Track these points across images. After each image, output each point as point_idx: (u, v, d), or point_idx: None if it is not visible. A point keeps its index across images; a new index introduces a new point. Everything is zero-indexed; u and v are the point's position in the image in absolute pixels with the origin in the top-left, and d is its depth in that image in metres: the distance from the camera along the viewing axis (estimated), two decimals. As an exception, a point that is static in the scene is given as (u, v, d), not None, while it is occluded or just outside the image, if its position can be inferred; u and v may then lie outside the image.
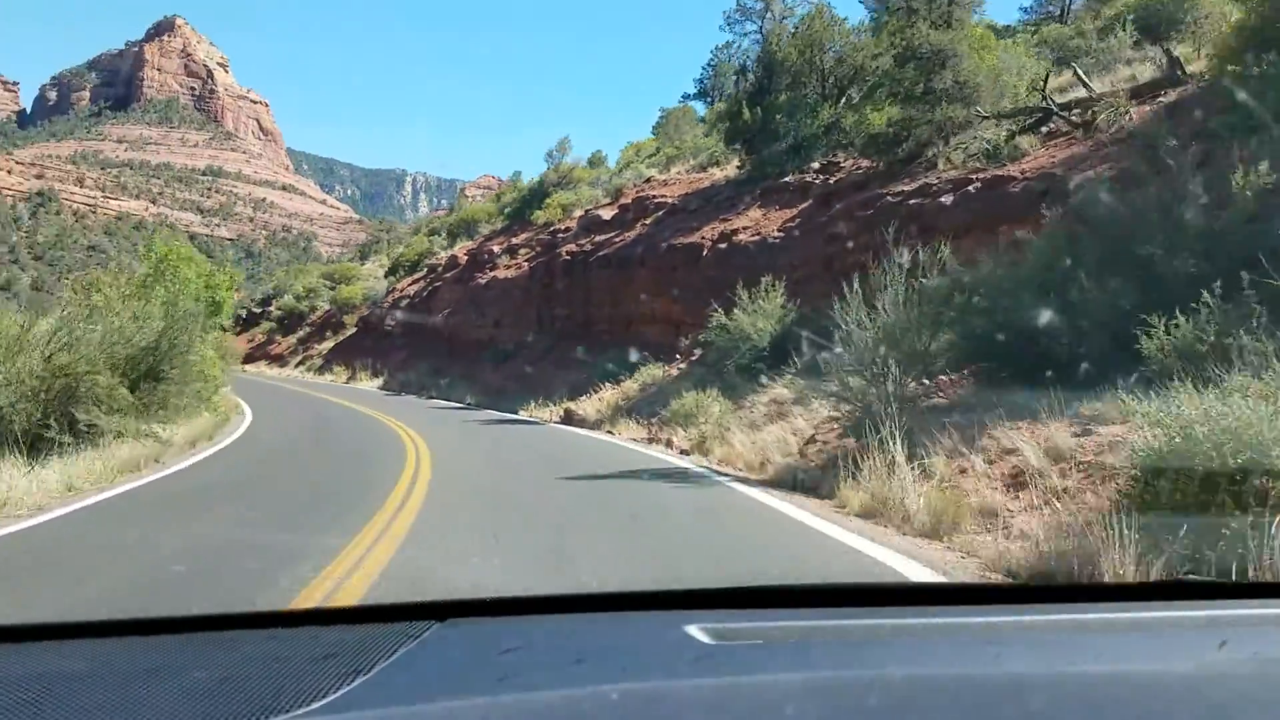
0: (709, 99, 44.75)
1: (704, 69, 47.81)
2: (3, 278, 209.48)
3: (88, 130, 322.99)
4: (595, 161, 48.28)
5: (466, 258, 46.33)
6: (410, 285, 52.38)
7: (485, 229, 50.32)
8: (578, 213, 38.38)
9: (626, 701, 1.18)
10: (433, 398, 34.60)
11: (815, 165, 26.42)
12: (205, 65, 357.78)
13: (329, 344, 57.97)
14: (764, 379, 18.60)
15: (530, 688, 1.36)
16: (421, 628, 1.70)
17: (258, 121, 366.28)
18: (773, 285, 20.28)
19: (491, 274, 40.48)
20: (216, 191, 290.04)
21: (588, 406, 23.90)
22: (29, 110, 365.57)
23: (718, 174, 30.81)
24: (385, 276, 59.08)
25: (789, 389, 17.69)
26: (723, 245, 26.06)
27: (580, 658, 1.52)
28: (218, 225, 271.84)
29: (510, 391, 29.85)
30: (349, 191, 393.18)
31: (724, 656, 1.50)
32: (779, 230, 24.91)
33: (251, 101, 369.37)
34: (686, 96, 45.35)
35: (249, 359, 70.19)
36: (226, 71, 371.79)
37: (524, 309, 35.70)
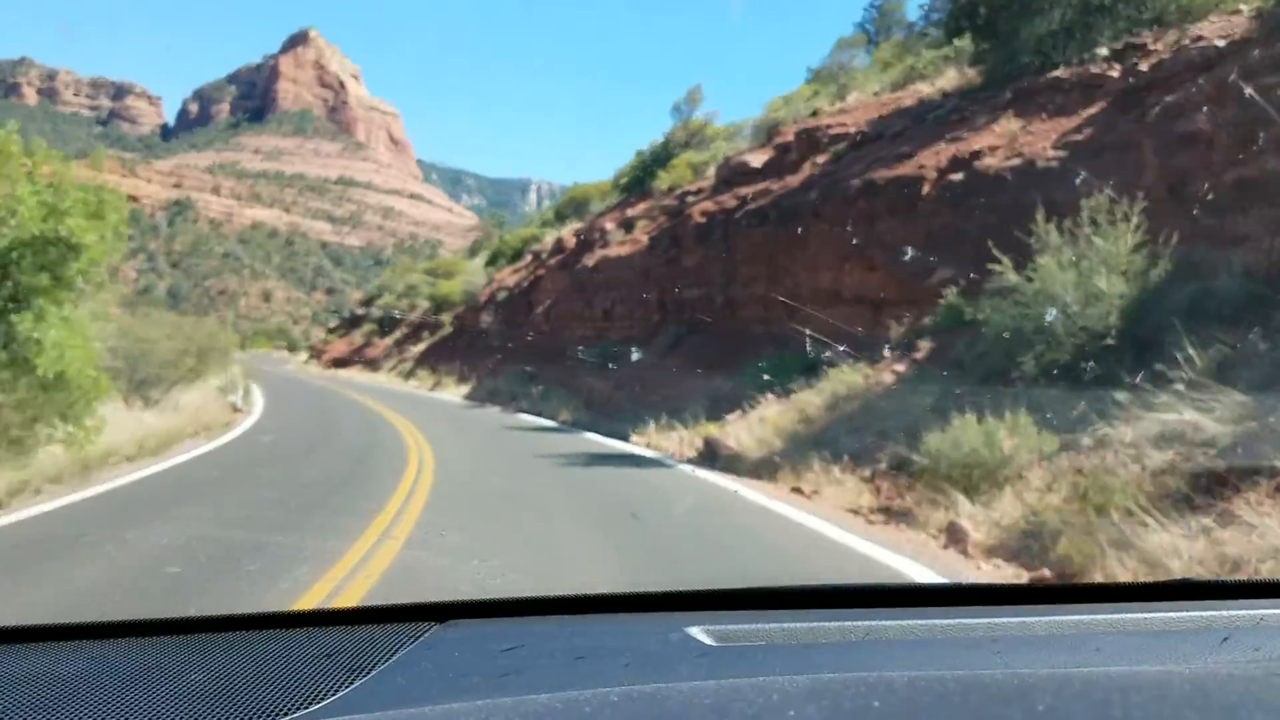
0: (873, 41, 35.02)
1: (866, 9, 38.08)
2: (142, 284, 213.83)
3: (225, 142, 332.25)
4: (730, 134, 38.62)
5: (574, 239, 37.55)
6: (509, 276, 43.92)
7: (599, 207, 41.38)
8: (713, 170, 29.04)
9: (627, 703, 1.16)
10: (521, 411, 25.84)
11: (1104, 52, 16.40)
12: (338, 77, 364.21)
13: (423, 346, 50.34)
14: (1119, 392, 9.01)
15: (530, 689, 1.32)
16: (421, 629, 1.68)
17: (388, 132, 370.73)
18: (1116, 208, 10.43)
19: (601, 252, 31.45)
20: (347, 200, 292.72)
21: (740, 433, 14.44)
22: (171, 124, 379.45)
23: (926, 89, 20.85)
24: (485, 267, 50.84)
25: (1200, 411, 8.06)
26: (956, 176, 16.24)
27: (580, 659, 1.52)
28: (348, 234, 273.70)
29: (621, 405, 20.66)
30: (475, 200, 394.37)
31: (726, 658, 1.51)
32: (1056, 147, 15.01)
33: (382, 113, 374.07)
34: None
35: (346, 363, 64.93)
36: (358, 83, 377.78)
37: (641, 293, 26.45)
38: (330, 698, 1.33)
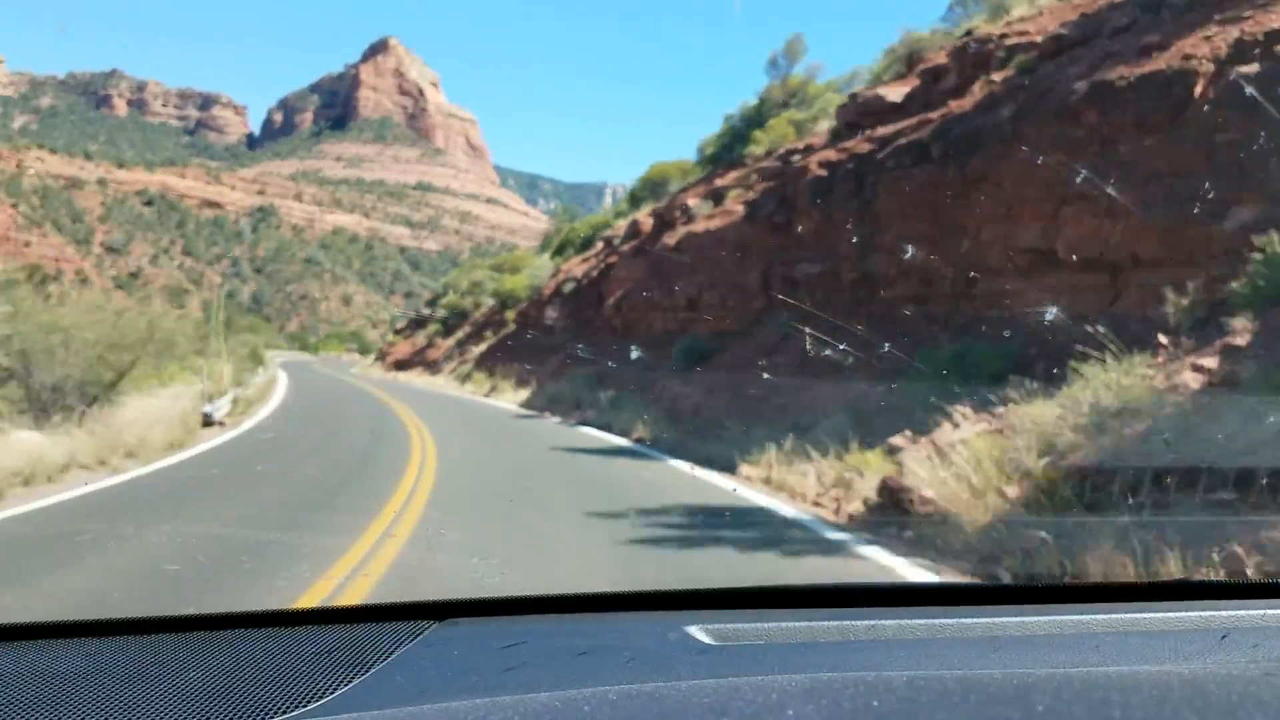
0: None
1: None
2: (227, 289, 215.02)
3: (308, 150, 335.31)
4: (842, 84, 32.39)
5: (651, 220, 31.98)
6: (577, 266, 38.49)
7: (679, 185, 35.61)
8: (824, 125, 23.16)
9: (626, 702, 1.14)
10: (585, 423, 20.36)
11: None
12: (417, 84, 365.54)
13: (484, 346, 45.32)
14: None
15: (529, 688, 1.31)
16: (420, 627, 1.67)
17: (466, 138, 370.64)
18: None
19: (685, 229, 25.75)
20: (425, 205, 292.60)
21: (931, 470, 8.66)
22: (257, 133, 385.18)
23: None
24: (550, 258, 45.53)
25: None
26: (1248, 68, 10.25)
27: (580, 658, 1.51)
28: (425, 238, 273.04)
29: (717, 418, 14.94)
30: (551, 205, 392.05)
31: (725, 657, 1.49)
32: None
33: (460, 119, 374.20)
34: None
35: (407, 365, 60.02)
36: (437, 90, 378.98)
37: (737, 275, 20.68)
38: (329, 696, 1.31)
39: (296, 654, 1.53)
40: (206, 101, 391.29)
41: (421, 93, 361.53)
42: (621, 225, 36.27)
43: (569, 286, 35.53)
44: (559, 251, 44.48)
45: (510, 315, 43.76)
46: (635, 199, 41.01)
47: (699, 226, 24.70)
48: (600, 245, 37.01)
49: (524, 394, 29.27)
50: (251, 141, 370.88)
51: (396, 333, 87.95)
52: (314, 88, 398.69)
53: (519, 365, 32.93)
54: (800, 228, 18.09)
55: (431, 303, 71.62)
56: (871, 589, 2.07)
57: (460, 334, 54.17)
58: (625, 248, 32.51)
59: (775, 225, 19.30)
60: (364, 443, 15.99)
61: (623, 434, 17.07)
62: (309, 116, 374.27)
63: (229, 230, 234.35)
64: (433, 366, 53.04)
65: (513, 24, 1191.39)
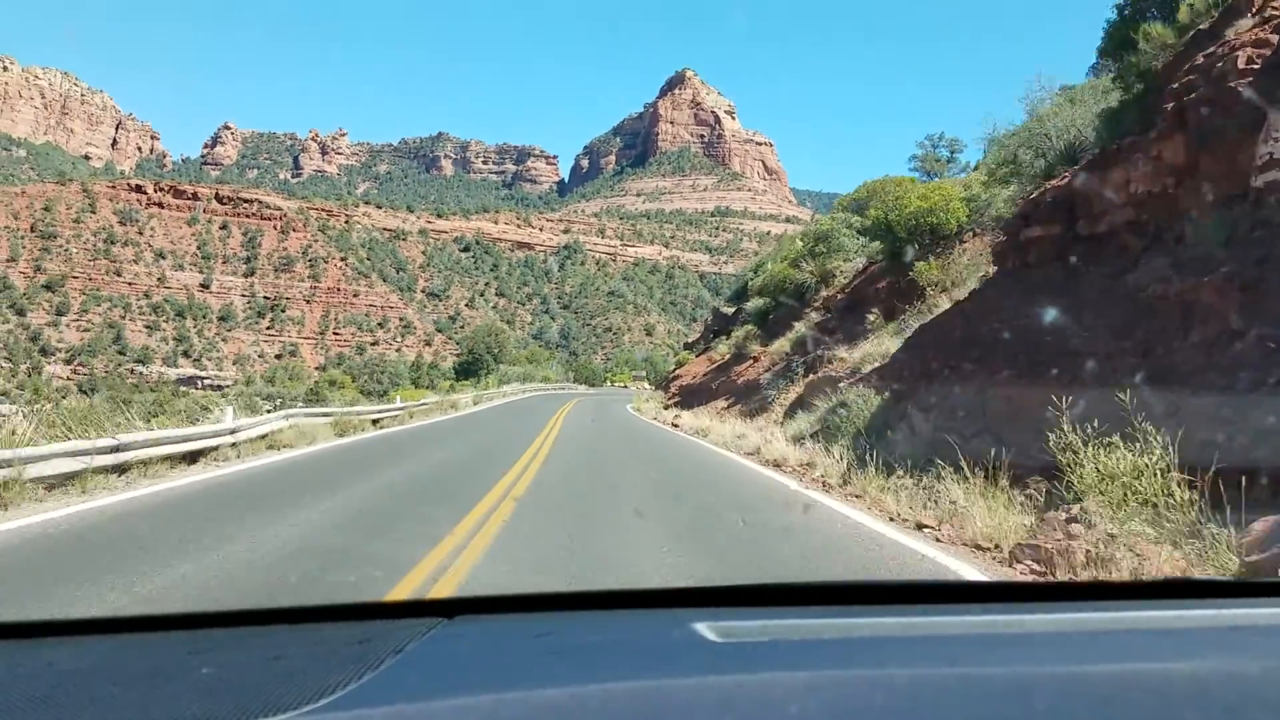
0: None
1: None
2: (536, 326, 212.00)
3: (611, 189, 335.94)
4: None
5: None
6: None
7: None
8: None
9: (633, 698, 1.16)
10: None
11: None
12: (713, 112, 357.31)
13: (875, 348, 24.65)
14: None
15: (537, 684, 1.29)
16: (430, 624, 1.65)
17: (762, 162, 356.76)
18: None
19: None
20: (723, 230, 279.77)
21: None
22: (566, 179, 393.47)
23: None
24: (996, 173, 24.61)
25: None
26: None
27: (587, 655, 1.50)
28: (724, 262, 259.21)
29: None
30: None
31: (730, 654, 1.45)
32: None
33: (756, 144, 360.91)
34: None
35: (698, 395, 38.77)
36: (733, 118, 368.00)
37: None
38: (340, 691, 1.27)
39: (308, 650, 1.52)
40: (521, 155, 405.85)
41: (718, 120, 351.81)
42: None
43: (1048, 199, 15.10)
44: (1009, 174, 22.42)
45: (930, 272, 21.30)
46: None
47: None
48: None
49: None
50: (561, 189, 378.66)
51: (687, 348, 64.32)
52: (615, 130, 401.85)
53: (949, 386, 13.10)
54: None
55: (738, 295, 50.87)
56: (874, 586, 2.03)
57: (803, 327, 30.59)
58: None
59: None
60: None
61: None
62: (611, 159, 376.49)
63: (538, 269, 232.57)
64: (746, 397, 32.74)
65: (803, 47, 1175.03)
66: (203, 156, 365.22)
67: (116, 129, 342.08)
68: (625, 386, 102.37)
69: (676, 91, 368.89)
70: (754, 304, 39.13)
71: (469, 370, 74.53)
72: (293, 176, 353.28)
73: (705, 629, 1.52)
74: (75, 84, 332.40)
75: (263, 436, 15.98)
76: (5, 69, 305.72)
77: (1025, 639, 1.58)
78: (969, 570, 6.65)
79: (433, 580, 5.85)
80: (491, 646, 1.53)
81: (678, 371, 51.71)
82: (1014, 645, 1.53)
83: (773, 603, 1.82)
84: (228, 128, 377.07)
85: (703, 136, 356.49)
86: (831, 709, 1.04)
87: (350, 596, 5.17)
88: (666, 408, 39.46)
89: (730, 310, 51.20)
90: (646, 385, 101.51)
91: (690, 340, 65.03)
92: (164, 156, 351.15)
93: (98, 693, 1.33)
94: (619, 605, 1.88)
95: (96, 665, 1.49)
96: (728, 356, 39.82)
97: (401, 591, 5.49)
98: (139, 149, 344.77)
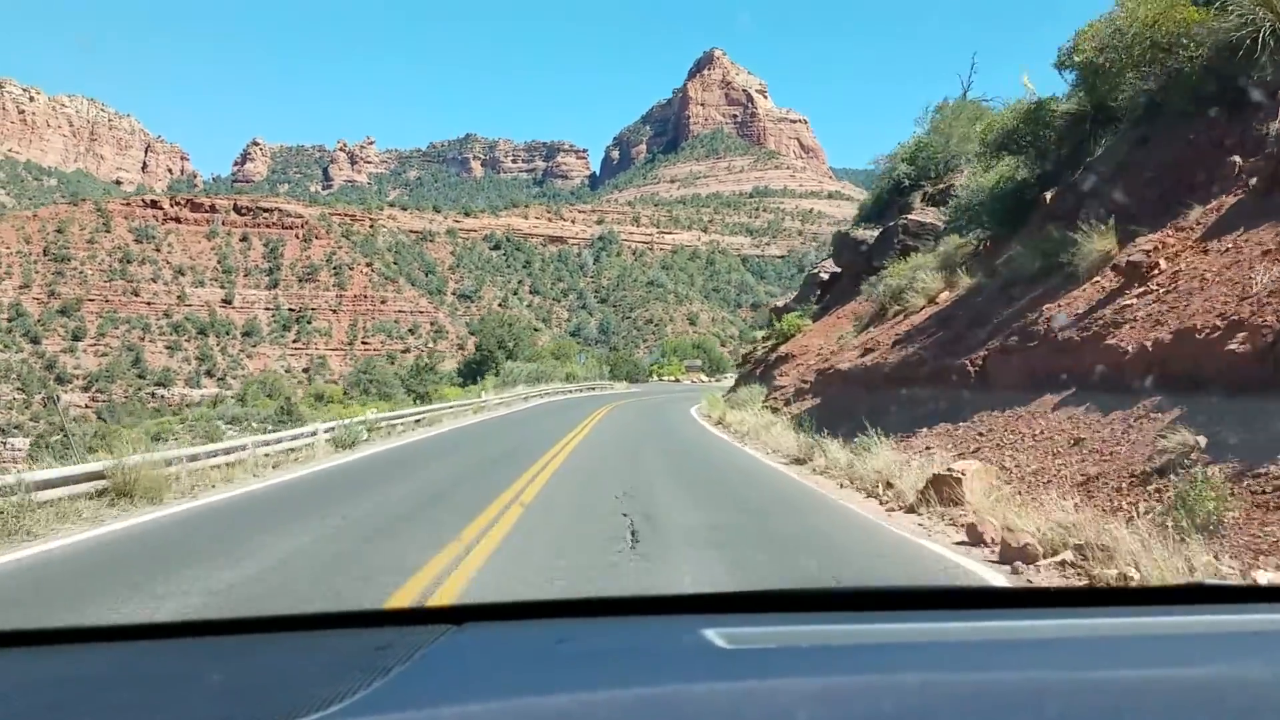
0: None
1: None
2: (574, 323, 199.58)
3: (644, 177, 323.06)
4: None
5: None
6: None
7: None
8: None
9: (642, 705, 1.15)
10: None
11: None
12: (745, 91, 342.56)
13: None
14: None
15: (546, 691, 1.29)
16: (438, 632, 1.64)
17: (798, 140, 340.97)
18: None
19: None
20: (764, 210, 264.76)
21: None
22: (597, 172, 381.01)
23: None
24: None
25: None
26: None
27: (596, 661, 1.48)
28: (767, 244, 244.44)
29: None
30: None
31: (739, 661, 1.45)
32: None
33: (790, 121, 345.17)
34: None
35: (850, 393, 25.08)
36: (765, 97, 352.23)
37: None
38: (349, 699, 1.27)
39: (317, 658, 1.53)
40: (551, 151, 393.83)
41: (750, 99, 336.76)
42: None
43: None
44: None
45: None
46: None
47: None
48: None
49: None
50: (593, 182, 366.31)
51: (774, 314, 40.84)
52: (645, 118, 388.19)
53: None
54: None
55: (878, 206, 34.59)
56: (883, 593, 1.97)
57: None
58: None
59: None
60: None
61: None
62: (643, 148, 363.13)
63: (572, 264, 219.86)
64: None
65: (831, 22, 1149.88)
66: (233, 174, 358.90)
67: (146, 152, 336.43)
68: (677, 380, 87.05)
69: (706, 72, 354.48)
70: (984, 180, 21.55)
71: (477, 370, 62.57)
72: (323, 188, 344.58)
73: (715, 635, 1.50)
74: (102, 110, 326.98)
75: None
76: (32, 99, 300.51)
77: (1036, 645, 1.54)
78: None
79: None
80: (501, 653, 1.52)
81: (782, 349, 32.59)
82: (1025, 651, 1.49)
83: (782, 609, 1.79)
84: (256, 144, 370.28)
85: (735, 117, 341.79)
86: (841, 715, 1.04)
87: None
88: (799, 425, 18.86)
89: (871, 236, 32.42)
90: (703, 377, 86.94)
91: (779, 304, 44.89)
92: (194, 176, 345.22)
93: (109, 700, 1.32)
94: (628, 612, 1.87)
95: (108, 673, 1.49)
96: (909, 311, 22.36)
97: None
98: (169, 170, 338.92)
